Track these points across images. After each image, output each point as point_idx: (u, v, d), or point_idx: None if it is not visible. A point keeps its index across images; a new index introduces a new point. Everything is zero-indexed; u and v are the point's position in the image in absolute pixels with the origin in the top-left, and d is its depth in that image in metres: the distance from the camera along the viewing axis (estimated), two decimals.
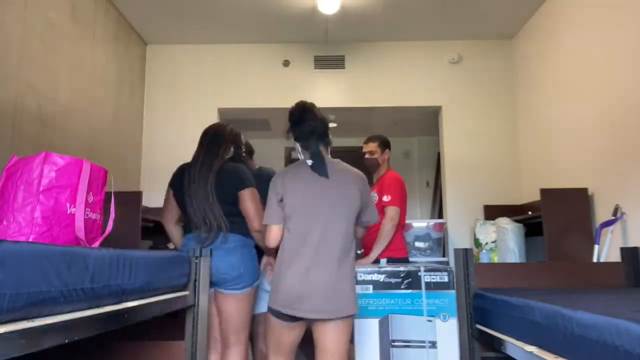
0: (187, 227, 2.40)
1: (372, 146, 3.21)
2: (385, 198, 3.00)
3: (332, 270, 1.88)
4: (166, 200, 2.45)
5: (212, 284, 2.29)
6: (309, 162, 1.99)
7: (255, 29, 4.45)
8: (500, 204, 4.26)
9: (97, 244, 1.63)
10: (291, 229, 1.95)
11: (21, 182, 1.46)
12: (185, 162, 2.49)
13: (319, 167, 1.97)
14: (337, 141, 5.83)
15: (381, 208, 2.97)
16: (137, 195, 3.27)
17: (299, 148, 2.06)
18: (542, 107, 4.02)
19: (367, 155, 3.21)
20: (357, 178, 2.03)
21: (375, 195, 3.04)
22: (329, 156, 2.08)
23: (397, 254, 3.02)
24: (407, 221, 4.14)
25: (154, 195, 3.40)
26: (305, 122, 2.03)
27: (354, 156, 6.22)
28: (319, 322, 1.90)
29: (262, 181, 2.36)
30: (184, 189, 2.34)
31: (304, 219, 1.93)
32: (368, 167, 3.19)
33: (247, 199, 2.29)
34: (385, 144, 3.23)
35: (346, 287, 1.90)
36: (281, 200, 1.97)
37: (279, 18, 4.22)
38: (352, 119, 5.51)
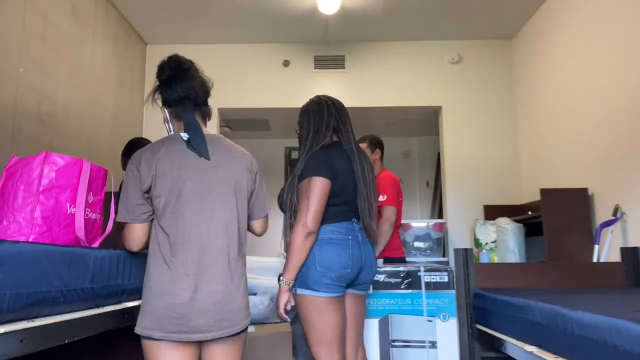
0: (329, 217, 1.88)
1: (362, 146, 3.18)
2: (381, 198, 2.99)
3: (224, 279, 1.45)
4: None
5: (355, 285, 1.92)
6: (184, 136, 1.53)
7: (255, 29, 4.45)
8: (500, 204, 4.26)
9: (97, 244, 1.62)
10: (165, 228, 1.47)
11: (21, 182, 1.46)
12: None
13: (198, 145, 1.52)
14: None
15: (377, 208, 2.96)
16: None
17: (168, 116, 1.61)
18: (542, 107, 4.02)
19: None
20: (247, 158, 1.62)
21: None
22: (208, 131, 1.63)
23: (395, 253, 3.04)
24: (407, 221, 4.15)
25: None
26: (178, 82, 1.60)
27: None
28: (208, 344, 1.47)
29: None
30: (357, 178, 1.93)
31: (184, 214, 1.46)
32: None
33: None
34: (375, 144, 3.20)
35: (238, 297, 1.48)
36: (149, 189, 1.48)
37: (279, 18, 4.22)
38: (352, 119, 5.50)
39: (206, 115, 1.67)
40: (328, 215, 1.84)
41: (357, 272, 1.85)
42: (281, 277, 1.79)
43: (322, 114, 1.99)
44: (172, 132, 1.61)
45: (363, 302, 2.00)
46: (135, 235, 1.51)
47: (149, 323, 1.38)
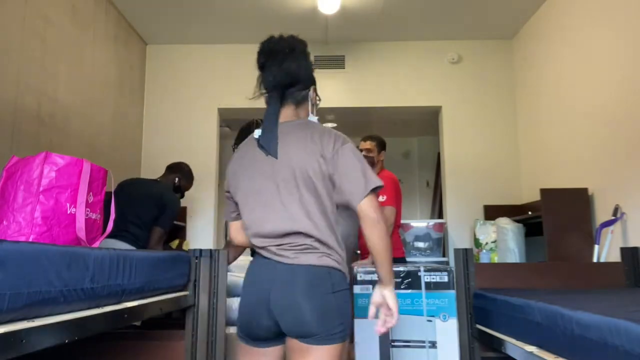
0: None
1: (371, 145, 3.17)
2: (381, 198, 2.99)
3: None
4: None
5: None
6: (256, 134, 1.47)
7: (255, 29, 4.45)
8: (500, 204, 4.26)
9: (97, 244, 1.62)
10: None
11: (21, 182, 1.46)
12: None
13: (267, 143, 1.43)
14: None
15: None
16: None
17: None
18: (542, 107, 4.02)
19: (363, 153, 3.17)
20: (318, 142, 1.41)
21: None
22: (306, 119, 1.51)
23: (397, 253, 3.03)
24: (407, 221, 4.15)
25: None
26: (268, 70, 1.47)
27: None
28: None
29: None
30: None
31: (252, 210, 1.45)
32: None
33: None
34: (382, 145, 3.21)
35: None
36: (228, 189, 1.54)
37: (279, 18, 4.22)
38: (352, 119, 5.51)
39: (301, 101, 1.51)
40: None
41: None
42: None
43: (249, 132, 1.80)
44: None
45: None
46: (231, 232, 1.60)
47: None
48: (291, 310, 1.33)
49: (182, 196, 3.11)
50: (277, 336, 1.40)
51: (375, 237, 1.37)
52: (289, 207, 1.40)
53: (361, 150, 3.19)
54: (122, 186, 2.78)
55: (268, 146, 1.43)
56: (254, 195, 1.45)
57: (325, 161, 1.39)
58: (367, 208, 1.36)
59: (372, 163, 3.18)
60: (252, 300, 1.42)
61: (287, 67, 1.46)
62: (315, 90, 1.56)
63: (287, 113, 1.50)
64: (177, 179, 3.03)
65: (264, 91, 1.51)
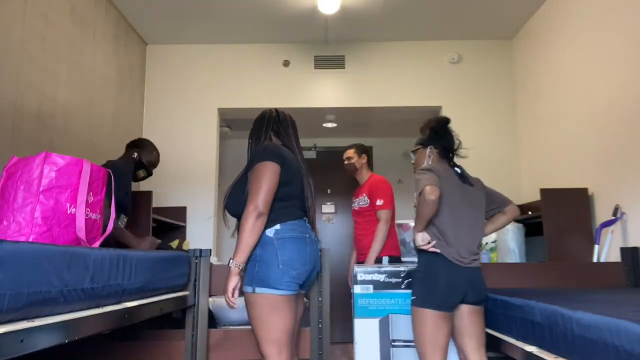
0: (285, 214, 1.91)
1: (350, 152, 3.49)
2: (379, 202, 3.23)
3: None
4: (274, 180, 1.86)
5: (305, 284, 1.93)
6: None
7: (255, 29, 4.45)
8: None
9: (97, 244, 1.62)
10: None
11: (21, 182, 1.46)
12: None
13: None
14: (336, 141, 5.83)
15: (375, 212, 3.24)
16: (148, 194, 3.40)
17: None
18: (542, 107, 4.02)
19: (345, 162, 3.50)
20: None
21: (366, 199, 3.31)
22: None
23: (396, 252, 3.29)
24: (406, 221, 4.15)
25: (154, 194, 3.44)
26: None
27: None
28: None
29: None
30: (302, 172, 2.01)
31: None
32: (348, 172, 3.53)
33: None
34: (361, 149, 3.50)
35: None
36: None
37: (279, 18, 4.22)
38: (352, 119, 5.50)
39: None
40: (283, 213, 1.87)
41: (311, 271, 1.89)
42: (231, 260, 1.78)
43: (262, 122, 2.10)
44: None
45: (303, 301, 2.07)
46: None
47: None
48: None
49: (150, 174, 2.95)
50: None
51: None
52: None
53: (344, 160, 3.50)
54: None
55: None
56: None
57: None
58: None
59: (354, 169, 3.48)
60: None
61: None
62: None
63: None
64: (135, 153, 2.87)
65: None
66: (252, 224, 1.76)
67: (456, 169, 2.39)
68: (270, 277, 1.77)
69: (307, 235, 1.90)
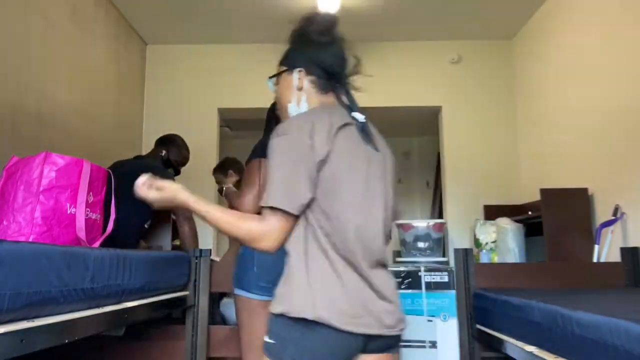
0: None
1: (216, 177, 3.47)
2: None
3: None
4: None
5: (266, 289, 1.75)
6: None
7: (255, 29, 4.45)
8: (500, 204, 4.25)
9: (97, 244, 1.63)
10: None
11: (21, 182, 1.46)
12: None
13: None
14: None
15: None
16: None
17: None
18: (542, 107, 4.02)
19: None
20: None
21: None
22: None
23: None
24: (407, 221, 4.14)
25: None
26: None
27: None
28: None
29: None
30: None
31: None
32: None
33: None
34: (224, 168, 3.47)
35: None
36: None
37: (279, 18, 4.21)
38: None
39: None
40: None
41: None
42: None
43: (269, 114, 1.99)
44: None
45: None
46: None
47: None
48: None
49: (178, 172, 2.84)
50: None
51: None
52: None
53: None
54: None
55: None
56: None
57: None
58: None
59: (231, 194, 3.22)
60: None
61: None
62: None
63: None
64: (164, 151, 2.76)
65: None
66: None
67: (355, 114, 1.38)
68: (245, 280, 1.71)
69: None
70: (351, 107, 1.36)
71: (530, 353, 1.70)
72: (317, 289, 1.13)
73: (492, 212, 4.09)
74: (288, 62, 1.38)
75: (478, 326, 2.27)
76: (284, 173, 1.15)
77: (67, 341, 1.18)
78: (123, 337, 2.26)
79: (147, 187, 1.26)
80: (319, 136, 1.17)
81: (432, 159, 6.62)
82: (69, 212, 1.50)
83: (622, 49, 2.95)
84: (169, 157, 2.78)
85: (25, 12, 2.84)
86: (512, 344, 1.87)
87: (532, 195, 3.89)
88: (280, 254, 1.42)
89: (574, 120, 3.49)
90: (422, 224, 4.13)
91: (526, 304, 1.81)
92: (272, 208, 1.14)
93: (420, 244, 4.17)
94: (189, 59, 4.69)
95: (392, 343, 1.28)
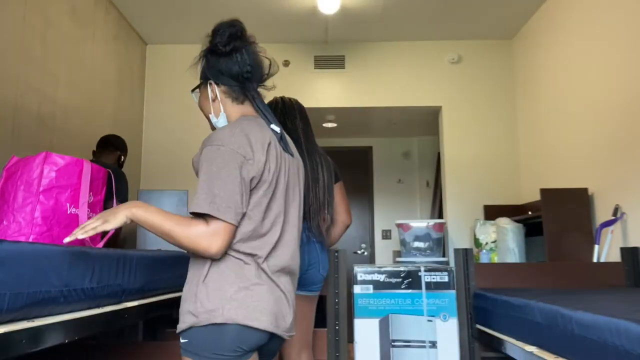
0: None
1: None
2: None
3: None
4: None
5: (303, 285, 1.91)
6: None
7: (255, 29, 4.41)
8: (500, 204, 4.26)
9: (101, 244, 1.62)
10: None
11: (21, 182, 1.46)
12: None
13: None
14: (336, 141, 5.81)
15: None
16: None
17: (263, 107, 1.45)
18: (542, 107, 4.02)
19: None
20: None
21: None
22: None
23: None
24: (407, 221, 4.14)
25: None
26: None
27: (353, 156, 6.19)
28: None
29: None
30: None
31: None
32: None
33: None
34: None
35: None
36: None
37: (279, 18, 4.22)
38: (352, 119, 5.50)
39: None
40: None
41: (303, 273, 1.84)
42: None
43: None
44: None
45: (311, 303, 1.99)
46: None
47: None
48: None
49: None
50: None
51: None
52: None
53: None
54: None
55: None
56: None
57: None
58: None
59: None
60: None
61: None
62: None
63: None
64: (122, 157, 2.79)
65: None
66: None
67: (272, 126, 1.36)
68: None
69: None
70: (268, 118, 1.41)
71: (530, 353, 1.70)
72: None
73: (492, 212, 4.09)
74: (202, 76, 1.46)
75: (478, 326, 2.28)
76: (224, 183, 1.19)
77: (67, 341, 1.18)
78: (123, 336, 2.26)
79: (101, 222, 1.17)
80: (255, 149, 1.25)
81: (432, 159, 6.62)
82: (69, 212, 1.51)
83: (622, 49, 2.95)
84: (124, 160, 2.85)
85: (25, 12, 2.84)
86: (512, 344, 1.87)
87: (532, 195, 3.89)
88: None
89: (574, 120, 3.49)
90: (422, 224, 4.13)
91: (526, 304, 1.81)
92: (212, 217, 1.17)
93: (420, 244, 4.17)
94: (189, 59, 4.67)
95: None
